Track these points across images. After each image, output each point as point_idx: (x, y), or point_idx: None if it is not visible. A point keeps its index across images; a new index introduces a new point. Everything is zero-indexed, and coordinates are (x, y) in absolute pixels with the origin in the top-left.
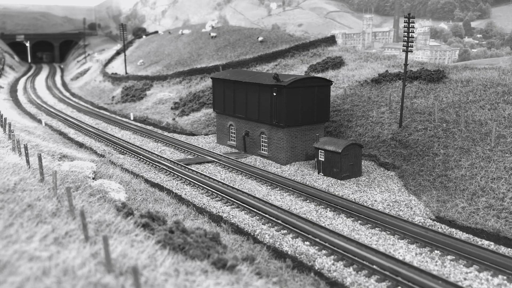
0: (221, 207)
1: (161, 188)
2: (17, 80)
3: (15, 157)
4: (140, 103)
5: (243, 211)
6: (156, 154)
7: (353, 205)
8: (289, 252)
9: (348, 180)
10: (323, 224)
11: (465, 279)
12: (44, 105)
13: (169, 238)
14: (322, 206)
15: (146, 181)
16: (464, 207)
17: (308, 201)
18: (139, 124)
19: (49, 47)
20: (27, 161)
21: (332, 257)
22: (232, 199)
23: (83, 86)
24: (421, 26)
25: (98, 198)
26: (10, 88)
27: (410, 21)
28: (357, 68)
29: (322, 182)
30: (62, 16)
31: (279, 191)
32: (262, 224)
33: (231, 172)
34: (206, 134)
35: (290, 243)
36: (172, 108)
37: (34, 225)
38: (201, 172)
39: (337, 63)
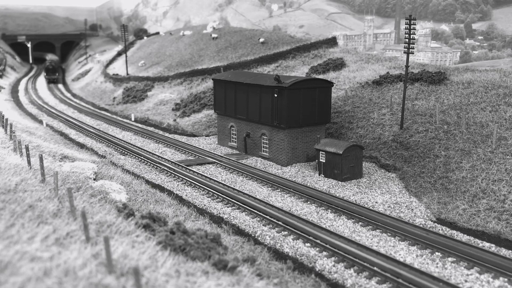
0: (222, 208)
1: (162, 189)
2: (18, 81)
3: (17, 158)
4: (141, 104)
5: (244, 213)
6: (157, 155)
7: (354, 206)
8: (290, 254)
9: (349, 181)
10: (324, 226)
11: (466, 281)
12: (45, 106)
13: (170, 239)
14: (323, 208)
15: (147, 182)
16: (465, 209)
17: (309, 202)
18: (140, 125)
19: (51, 48)
20: (28, 162)
21: (333, 258)
22: (233, 200)
23: (84, 87)
24: (422, 28)
25: (99, 199)
26: (12, 89)
27: (411, 23)
28: (358, 70)
29: (323, 183)
30: (63, 17)
31: (280, 193)
32: (263, 225)
33: (232, 173)
34: (207, 135)
35: (291, 245)
36: (173, 109)
37: (35, 226)
38: (202, 173)
39: (338, 64)
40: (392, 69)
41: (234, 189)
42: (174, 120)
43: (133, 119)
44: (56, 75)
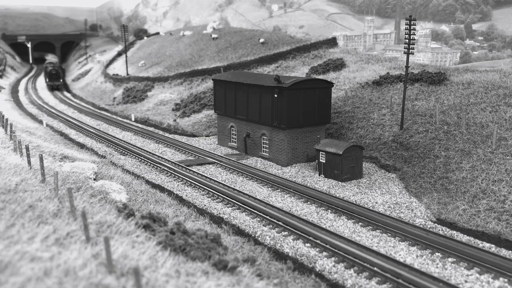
0: (222, 209)
1: (162, 189)
2: (18, 81)
3: (17, 158)
4: (141, 104)
5: (244, 213)
6: (157, 155)
7: (354, 207)
8: (290, 254)
9: (349, 182)
10: (324, 226)
11: (466, 281)
12: (45, 106)
13: (170, 239)
14: (323, 208)
15: (147, 182)
16: (465, 209)
17: (309, 202)
18: (140, 125)
19: (51, 48)
20: (29, 162)
21: (333, 259)
22: (233, 201)
23: (84, 87)
24: (423, 28)
25: (99, 199)
26: (12, 89)
27: (412, 23)
28: (358, 70)
29: (323, 184)
30: (63, 17)
31: (280, 193)
32: (263, 225)
33: (232, 174)
34: (207, 136)
35: (291, 245)
36: (173, 110)
37: (36, 226)
38: (202, 174)
39: (338, 65)
40: (392, 70)
41: (234, 189)
42: (174, 120)
43: (133, 119)
44: (60, 82)
